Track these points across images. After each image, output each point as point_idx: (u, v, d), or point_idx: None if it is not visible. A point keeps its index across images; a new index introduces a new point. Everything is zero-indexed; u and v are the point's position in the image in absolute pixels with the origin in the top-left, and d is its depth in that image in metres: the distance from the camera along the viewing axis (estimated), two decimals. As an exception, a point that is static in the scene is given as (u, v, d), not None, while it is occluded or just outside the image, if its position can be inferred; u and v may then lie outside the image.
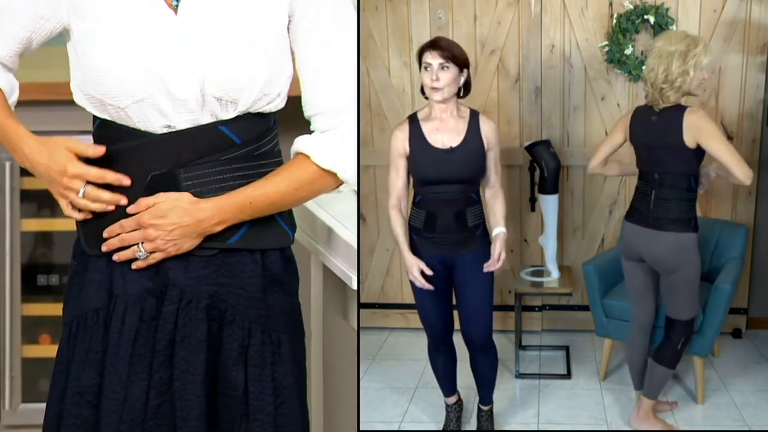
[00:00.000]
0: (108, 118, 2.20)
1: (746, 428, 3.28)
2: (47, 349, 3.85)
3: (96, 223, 2.20)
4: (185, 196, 2.17)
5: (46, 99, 3.45)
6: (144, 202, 2.17)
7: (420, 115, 2.91)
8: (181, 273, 2.19)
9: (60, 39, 2.25)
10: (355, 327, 2.76)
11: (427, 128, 2.88)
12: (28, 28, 2.19)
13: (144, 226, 2.16)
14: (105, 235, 2.19)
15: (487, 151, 2.90)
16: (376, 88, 4.02)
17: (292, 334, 2.28)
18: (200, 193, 2.17)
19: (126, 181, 2.16)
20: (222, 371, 2.21)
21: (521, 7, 3.87)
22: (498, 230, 2.89)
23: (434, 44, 2.83)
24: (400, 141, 2.89)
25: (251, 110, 2.20)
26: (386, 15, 3.95)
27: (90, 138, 2.26)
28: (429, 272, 2.85)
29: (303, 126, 2.25)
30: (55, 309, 3.81)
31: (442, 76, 2.81)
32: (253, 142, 2.21)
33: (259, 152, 2.22)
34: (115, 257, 2.19)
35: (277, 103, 2.23)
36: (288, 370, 2.25)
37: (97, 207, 2.18)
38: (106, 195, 2.17)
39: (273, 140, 2.26)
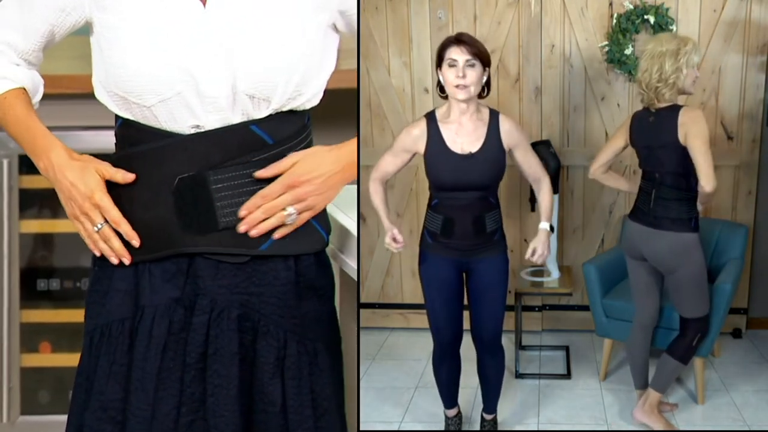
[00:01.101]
0: (132, 118, 2.09)
1: (746, 428, 3.29)
2: (47, 358, 3.76)
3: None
4: (319, 147, 2.10)
5: (51, 93, 3.37)
6: (286, 161, 2.06)
7: (438, 115, 2.81)
8: (211, 281, 2.08)
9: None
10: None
11: (445, 131, 2.78)
12: (49, 21, 2.11)
13: (295, 185, 2.05)
14: (242, 213, 2.06)
15: (514, 150, 2.83)
16: (376, 88, 4.01)
17: (328, 342, 2.18)
18: (231, 197, 2.06)
19: (135, 241, 2.07)
20: (257, 386, 2.09)
21: (521, 7, 3.87)
22: (541, 225, 2.89)
23: (460, 40, 2.71)
24: (412, 139, 2.81)
25: (285, 108, 2.09)
26: (386, 15, 3.95)
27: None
28: (400, 239, 2.81)
29: (337, 122, 2.19)
30: (55, 316, 3.74)
31: (469, 73, 2.70)
32: (286, 141, 2.10)
33: (293, 152, 2.10)
34: (254, 231, 2.06)
35: (312, 101, 2.13)
36: (326, 380, 2.15)
37: (103, 247, 2.09)
38: (116, 243, 2.08)
39: (306, 139, 2.15)
